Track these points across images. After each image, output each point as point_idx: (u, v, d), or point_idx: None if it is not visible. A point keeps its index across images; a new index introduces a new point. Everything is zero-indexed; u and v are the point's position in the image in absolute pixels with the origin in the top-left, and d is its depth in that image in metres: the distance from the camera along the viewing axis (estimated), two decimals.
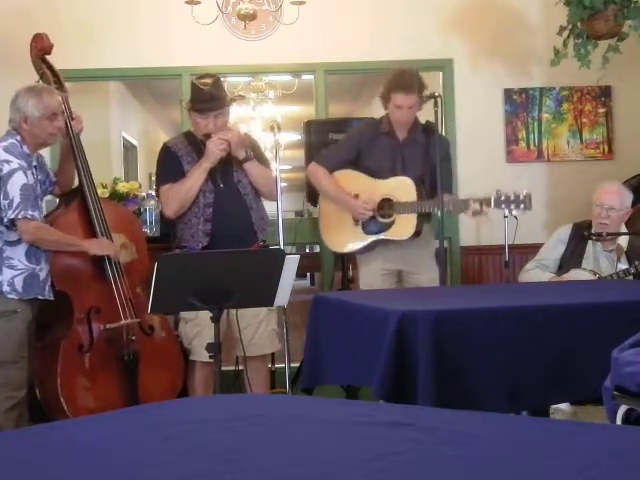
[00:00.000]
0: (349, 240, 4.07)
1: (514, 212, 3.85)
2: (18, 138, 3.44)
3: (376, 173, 3.99)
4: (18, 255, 3.40)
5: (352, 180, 4.03)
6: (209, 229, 3.76)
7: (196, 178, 3.74)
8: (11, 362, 3.38)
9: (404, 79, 3.90)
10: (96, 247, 3.57)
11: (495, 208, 3.84)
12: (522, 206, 3.83)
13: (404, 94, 3.87)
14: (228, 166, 3.82)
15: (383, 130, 4.02)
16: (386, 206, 3.96)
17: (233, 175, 3.85)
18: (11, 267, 3.39)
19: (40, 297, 3.45)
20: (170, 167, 3.84)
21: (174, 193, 3.78)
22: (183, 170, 3.79)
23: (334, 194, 4.05)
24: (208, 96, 3.74)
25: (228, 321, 3.77)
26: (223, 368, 3.07)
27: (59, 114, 3.52)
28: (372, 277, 4.02)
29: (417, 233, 3.97)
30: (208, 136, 3.76)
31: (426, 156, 3.95)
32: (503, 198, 3.83)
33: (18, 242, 3.40)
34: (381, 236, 3.98)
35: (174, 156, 3.83)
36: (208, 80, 3.79)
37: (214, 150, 3.73)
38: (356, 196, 4.01)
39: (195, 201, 3.77)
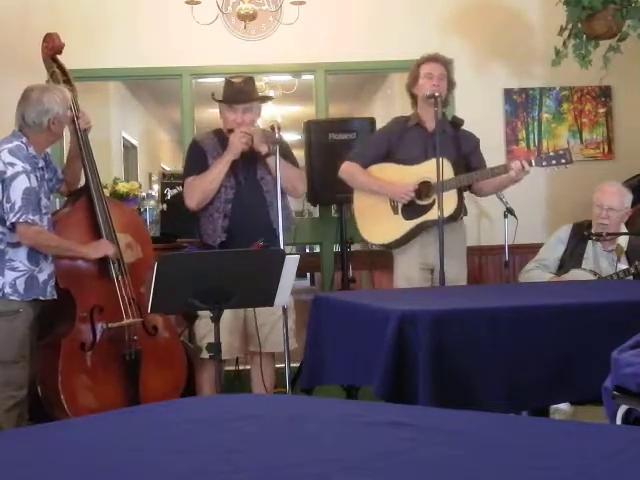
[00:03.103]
0: (391, 230, 3.98)
1: (556, 169, 3.77)
2: (24, 140, 3.44)
3: (409, 162, 3.95)
4: (20, 257, 3.41)
5: (386, 171, 3.99)
6: (227, 225, 3.78)
7: (219, 170, 3.78)
8: (13, 362, 3.38)
9: (431, 53, 3.99)
10: (94, 251, 3.58)
11: (536, 166, 3.79)
12: (563, 160, 3.76)
13: (433, 62, 3.95)
14: (252, 162, 3.85)
15: (412, 124, 4.02)
16: (424, 189, 3.89)
17: (256, 171, 3.88)
18: (13, 269, 3.40)
19: (42, 298, 3.46)
20: (196, 160, 3.90)
21: (197, 184, 3.82)
22: (208, 164, 3.84)
23: (370, 185, 4.00)
24: (237, 90, 3.83)
25: (245, 317, 3.79)
26: (224, 368, 3.08)
27: (70, 108, 3.60)
28: (411, 270, 3.95)
29: (458, 211, 3.92)
30: (231, 131, 3.82)
31: (456, 146, 3.94)
32: (543, 155, 3.82)
33: (20, 244, 3.41)
34: (423, 218, 3.89)
35: (201, 150, 3.89)
36: (240, 78, 3.91)
37: (236, 143, 3.76)
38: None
39: (217, 196, 3.80)
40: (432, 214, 3.83)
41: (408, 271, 3.96)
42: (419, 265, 3.95)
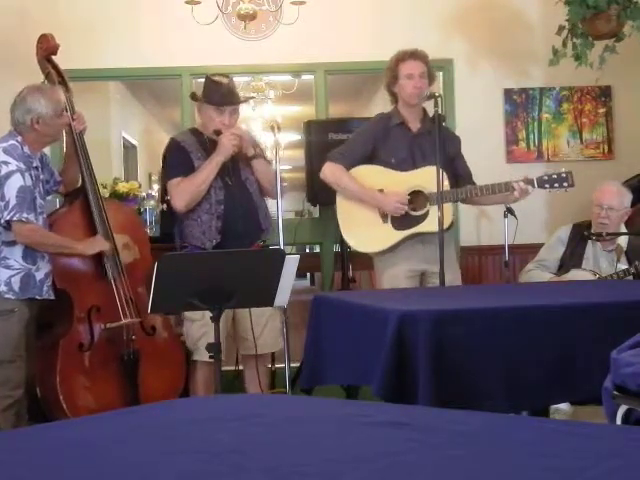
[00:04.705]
0: (379, 238, 3.82)
1: (558, 192, 3.76)
2: (19, 139, 3.45)
3: (396, 166, 3.82)
4: (15, 255, 3.42)
5: (374, 175, 3.83)
6: (221, 226, 3.73)
7: (209, 172, 3.71)
8: (8, 361, 3.39)
9: (409, 50, 3.89)
10: (89, 247, 3.58)
11: (539, 188, 3.76)
12: (565, 184, 3.73)
13: (413, 60, 3.84)
14: (235, 163, 3.81)
15: (395, 122, 3.89)
16: (416, 199, 3.77)
17: (240, 172, 3.84)
18: (7, 267, 3.41)
19: (38, 297, 3.46)
20: (180, 161, 3.79)
21: (186, 186, 3.73)
22: (193, 165, 3.77)
23: (358, 192, 3.82)
24: (226, 90, 3.76)
25: (235, 320, 3.78)
26: (223, 368, 3.08)
27: (64, 109, 3.57)
28: (397, 281, 3.80)
29: (453, 223, 3.84)
30: (218, 132, 3.75)
31: (441, 148, 3.74)
32: (546, 178, 3.76)
33: (15, 242, 3.42)
34: (416, 230, 3.75)
35: (184, 151, 3.80)
36: (224, 78, 3.82)
37: (227, 145, 3.71)
38: (381, 191, 3.81)
39: (206, 197, 3.74)
40: (425, 226, 3.73)
41: (394, 281, 3.81)
42: (406, 273, 3.82)
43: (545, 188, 3.77)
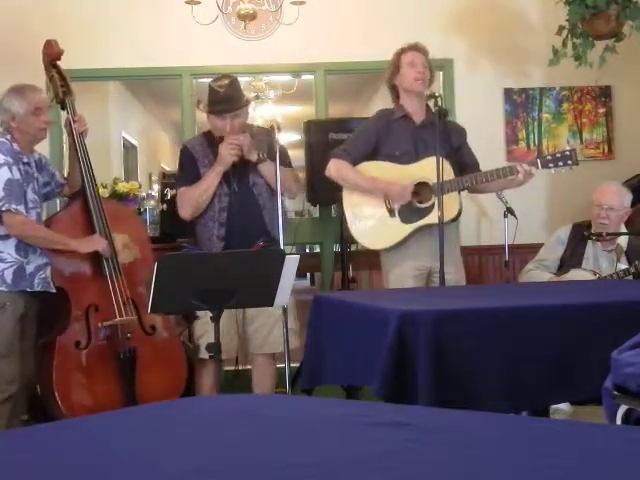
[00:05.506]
0: (389, 234, 3.81)
1: (563, 170, 3.71)
2: (8, 137, 3.52)
3: (399, 158, 3.80)
4: (8, 249, 3.46)
5: (379, 170, 3.82)
6: (223, 234, 3.76)
7: (210, 182, 3.75)
8: (2, 356, 3.41)
9: (410, 43, 3.89)
10: (85, 245, 3.60)
11: (542, 169, 3.72)
12: (569, 162, 3.69)
13: (414, 51, 3.85)
14: (243, 168, 3.81)
15: (397, 116, 3.88)
16: (422, 191, 3.75)
17: (249, 177, 3.84)
18: (1, 260, 3.44)
19: (29, 289, 3.48)
20: (187, 169, 3.86)
21: (189, 196, 3.79)
22: (199, 172, 3.80)
23: (366, 184, 3.80)
24: (224, 98, 3.76)
25: (244, 319, 3.79)
26: (223, 368, 3.08)
27: (44, 109, 3.60)
28: (403, 280, 3.79)
29: (459, 213, 3.83)
30: (222, 138, 3.77)
31: (446, 140, 3.75)
32: (549, 157, 3.74)
33: (8, 236, 3.46)
34: (424, 222, 3.74)
35: (191, 158, 3.84)
36: (224, 82, 3.80)
37: (225, 155, 3.73)
38: None
39: (211, 204, 3.77)
40: (432, 218, 3.68)
41: (400, 280, 3.80)
42: (413, 272, 3.80)
43: (549, 168, 3.73)
